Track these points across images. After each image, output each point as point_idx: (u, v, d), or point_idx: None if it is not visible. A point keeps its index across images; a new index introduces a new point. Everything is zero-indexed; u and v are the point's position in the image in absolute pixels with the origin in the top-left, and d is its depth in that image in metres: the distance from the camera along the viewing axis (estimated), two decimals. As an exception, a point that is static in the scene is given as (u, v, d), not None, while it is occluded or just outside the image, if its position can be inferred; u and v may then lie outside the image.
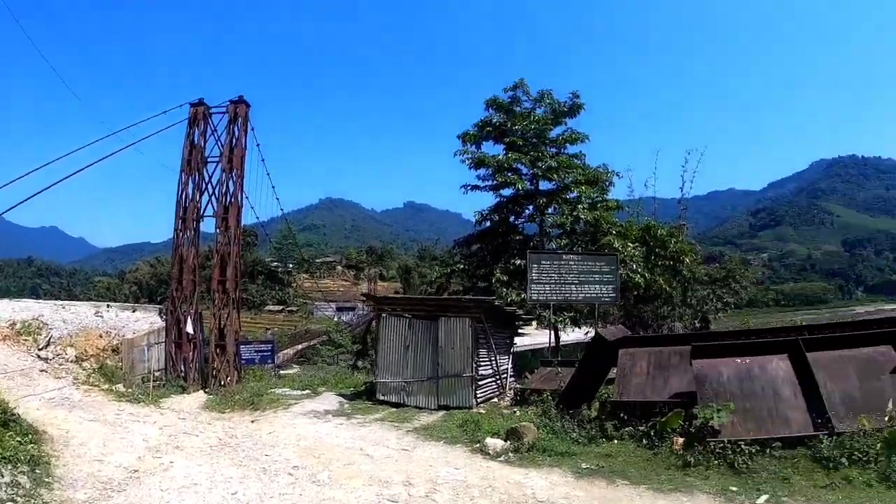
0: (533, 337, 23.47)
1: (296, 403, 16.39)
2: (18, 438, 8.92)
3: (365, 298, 23.22)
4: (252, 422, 14.17)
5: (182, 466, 9.62)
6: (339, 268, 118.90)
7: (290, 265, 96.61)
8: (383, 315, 17.50)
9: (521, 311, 19.28)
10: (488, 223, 24.72)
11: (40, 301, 26.61)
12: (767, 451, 8.75)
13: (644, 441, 10.08)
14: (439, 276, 29.16)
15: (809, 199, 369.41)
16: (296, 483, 8.85)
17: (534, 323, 21.69)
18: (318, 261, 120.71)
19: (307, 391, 18.91)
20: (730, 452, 8.72)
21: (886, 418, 8.64)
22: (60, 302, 24.52)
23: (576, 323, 22.76)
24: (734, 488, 7.94)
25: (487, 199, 25.32)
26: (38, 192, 15.37)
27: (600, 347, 12.58)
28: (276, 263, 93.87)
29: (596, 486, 8.47)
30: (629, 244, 22.55)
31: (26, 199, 15.03)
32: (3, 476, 7.49)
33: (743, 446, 8.72)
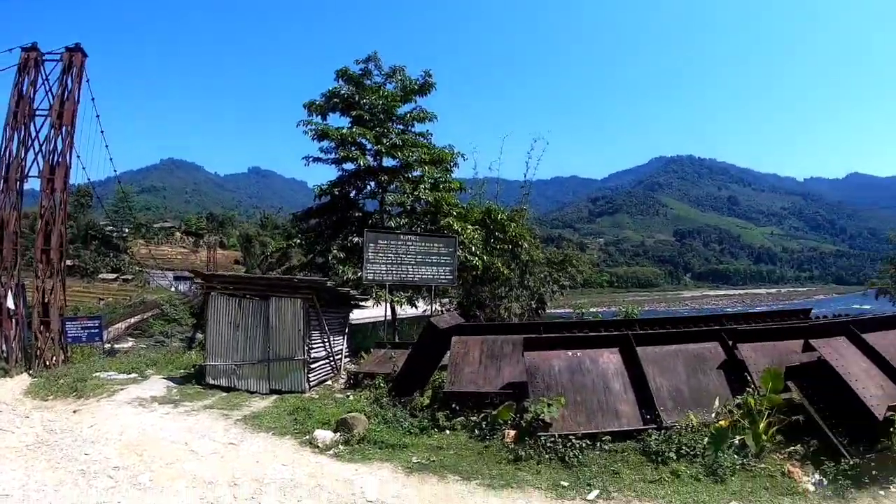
0: (372, 310, 23.09)
1: (121, 389, 15.02)
2: None
3: (194, 275, 21.85)
4: (74, 412, 12.94)
5: (-7, 474, 8.61)
6: (178, 234, 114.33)
7: (126, 230, 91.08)
8: (212, 294, 16.34)
9: (356, 291, 18.78)
10: (328, 197, 23.70)
11: None
12: (598, 444, 8.65)
13: (476, 432, 9.84)
14: (277, 250, 28.15)
15: (647, 191, 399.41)
16: (115, 487, 8.08)
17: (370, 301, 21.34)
18: (155, 226, 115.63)
19: (134, 374, 17.47)
20: (561, 446, 8.56)
21: (713, 414, 8.82)
22: None
23: (412, 302, 22.67)
24: (565, 483, 7.81)
25: (332, 173, 24.48)
26: None
27: (433, 335, 12.26)
28: (111, 228, 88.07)
29: (427, 483, 8.18)
30: (469, 227, 22.42)
31: None
32: None
33: (574, 440, 8.60)
